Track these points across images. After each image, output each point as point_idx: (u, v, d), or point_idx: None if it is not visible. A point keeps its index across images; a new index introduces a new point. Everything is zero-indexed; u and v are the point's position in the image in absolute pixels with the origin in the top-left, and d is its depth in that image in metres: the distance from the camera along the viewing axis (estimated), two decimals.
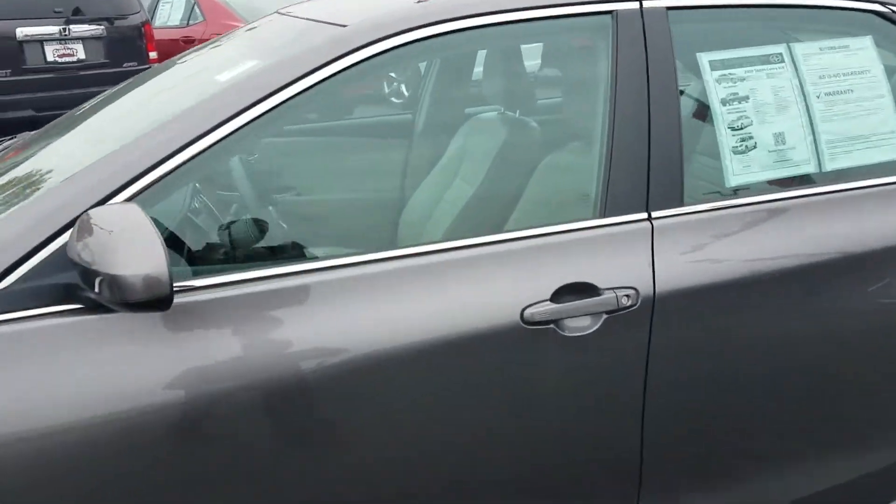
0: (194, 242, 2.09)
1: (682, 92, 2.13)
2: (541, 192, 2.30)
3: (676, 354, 1.94)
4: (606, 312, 1.88)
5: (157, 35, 7.69)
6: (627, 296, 1.89)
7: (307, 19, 2.24)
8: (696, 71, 2.11)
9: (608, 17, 2.02)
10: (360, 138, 3.48)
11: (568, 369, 1.90)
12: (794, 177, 2.11)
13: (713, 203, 2.05)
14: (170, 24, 8.99)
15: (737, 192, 2.07)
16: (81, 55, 6.78)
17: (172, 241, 1.95)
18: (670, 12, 2.06)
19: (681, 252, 1.96)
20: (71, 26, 6.71)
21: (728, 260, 1.99)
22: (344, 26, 1.96)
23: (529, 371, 1.88)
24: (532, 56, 3.14)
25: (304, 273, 1.79)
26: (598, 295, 1.88)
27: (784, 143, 2.09)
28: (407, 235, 3.09)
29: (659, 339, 1.91)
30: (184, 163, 1.71)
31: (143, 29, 7.24)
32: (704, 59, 2.09)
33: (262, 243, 2.14)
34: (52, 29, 6.64)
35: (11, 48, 6.46)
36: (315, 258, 2.02)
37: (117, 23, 7.00)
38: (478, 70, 3.17)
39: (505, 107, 3.10)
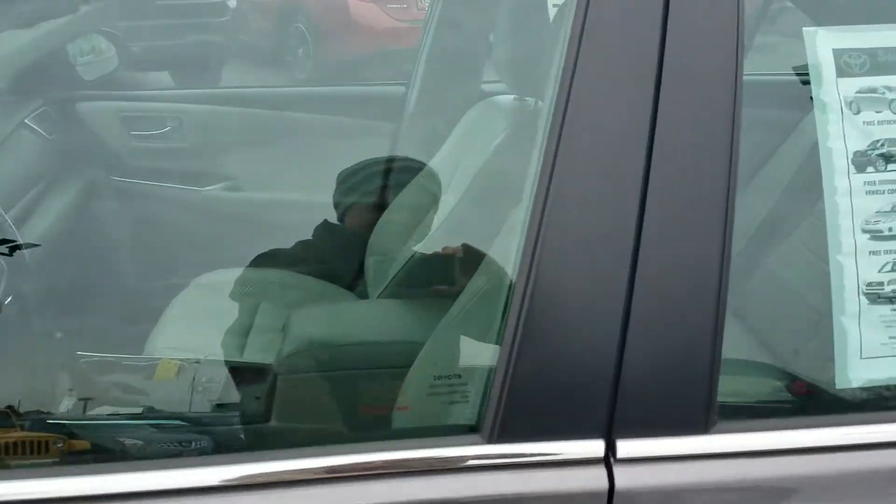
0: None
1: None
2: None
3: None
4: None
5: None
6: None
7: None
8: (796, 76, 0.85)
9: None
10: (331, 116, 2.37)
11: None
12: None
13: (796, 429, 0.79)
14: None
15: (865, 403, 0.81)
16: None
17: None
18: None
19: None
20: None
21: None
22: None
23: None
24: None
25: None
26: None
27: None
28: (373, 268, 1.98)
29: None
30: None
31: None
32: (825, 44, 0.81)
33: None
34: None
35: None
36: None
37: None
38: None
39: (520, 90, 1.89)
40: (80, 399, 1.45)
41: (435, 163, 2.09)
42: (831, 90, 0.80)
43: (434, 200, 2.00)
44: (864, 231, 0.78)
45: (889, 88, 0.81)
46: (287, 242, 2.27)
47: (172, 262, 2.30)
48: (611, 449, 0.74)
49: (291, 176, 2.31)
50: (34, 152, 2.02)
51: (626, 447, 0.74)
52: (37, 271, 1.84)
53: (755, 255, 1.16)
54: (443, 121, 2.13)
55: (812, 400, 0.85)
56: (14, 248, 1.63)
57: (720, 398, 0.76)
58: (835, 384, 0.78)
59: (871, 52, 0.82)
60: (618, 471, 0.74)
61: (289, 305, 1.83)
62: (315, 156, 2.32)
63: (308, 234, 2.27)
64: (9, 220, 1.70)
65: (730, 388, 0.82)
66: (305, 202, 2.24)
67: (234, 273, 2.02)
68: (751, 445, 0.75)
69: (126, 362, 1.57)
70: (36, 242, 1.88)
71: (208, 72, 5.83)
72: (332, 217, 2.25)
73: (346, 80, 3.73)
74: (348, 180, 2.12)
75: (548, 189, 0.75)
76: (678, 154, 0.75)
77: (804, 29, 0.81)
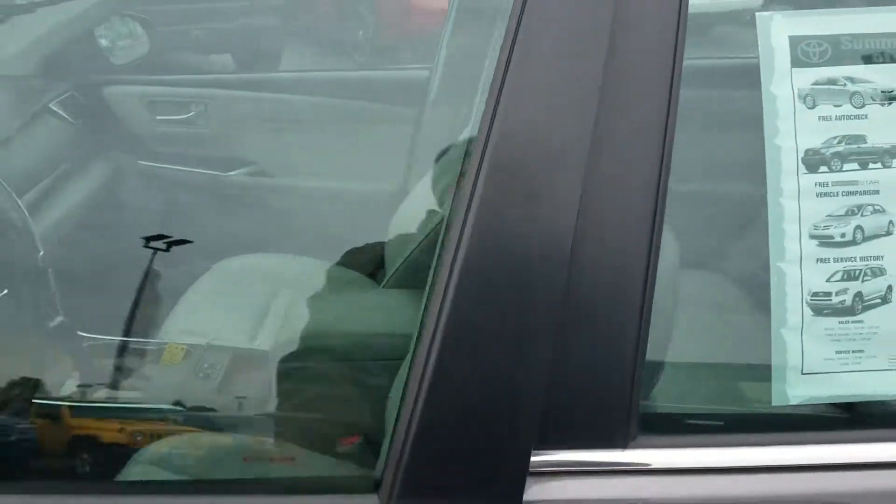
0: None
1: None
2: None
3: None
4: None
5: None
6: None
7: None
8: (743, 66, 0.79)
9: None
10: (356, 101, 2.33)
11: None
12: None
13: (726, 447, 0.73)
14: None
15: (806, 423, 0.75)
16: None
17: None
18: None
19: None
20: None
21: None
22: None
23: None
24: None
25: None
26: None
27: None
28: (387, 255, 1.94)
29: None
30: None
31: None
32: (781, 31, 0.75)
33: None
34: None
35: None
36: None
37: None
38: None
39: None
40: (81, 384, 1.47)
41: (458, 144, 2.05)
42: (784, 82, 0.73)
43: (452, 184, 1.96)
44: (813, 237, 0.72)
45: (851, 80, 0.74)
46: (309, 228, 2.26)
47: (194, 246, 2.32)
48: None
49: (314, 162, 2.30)
50: (57, 137, 2.05)
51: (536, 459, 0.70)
52: (59, 254, 1.87)
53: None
54: (465, 105, 2.09)
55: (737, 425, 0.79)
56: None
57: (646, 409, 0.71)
58: (774, 399, 0.72)
59: (833, 40, 0.74)
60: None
61: (307, 293, 1.81)
62: (340, 142, 2.30)
63: (329, 221, 2.27)
64: (19, 203, 1.73)
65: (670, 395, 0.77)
66: (328, 188, 2.22)
67: (256, 259, 2.02)
68: (673, 462, 0.70)
69: (133, 345, 1.59)
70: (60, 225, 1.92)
71: (266, 55, 5.86)
72: (352, 204, 2.25)
73: (375, 65, 3.70)
74: (441, 160, 2.08)
75: (472, 191, 0.70)
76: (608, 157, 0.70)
77: (757, 14, 0.75)
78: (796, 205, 0.72)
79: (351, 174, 2.23)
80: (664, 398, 0.77)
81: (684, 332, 0.84)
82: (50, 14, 2.07)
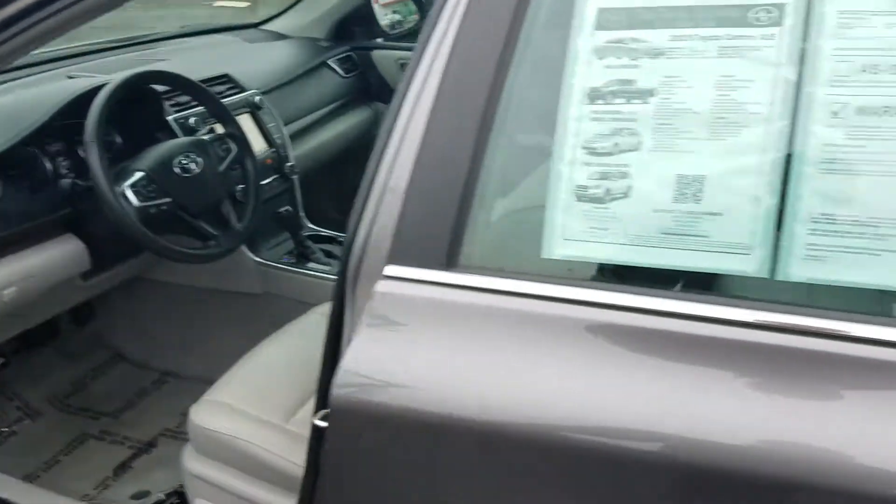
0: None
1: None
2: None
3: None
4: None
5: None
6: None
7: None
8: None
9: None
10: None
11: None
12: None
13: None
14: None
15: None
16: None
17: None
18: None
19: None
20: None
21: None
22: None
23: None
24: None
25: None
26: None
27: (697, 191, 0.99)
28: None
29: None
30: None
31: None
32: (593, 3, 1.07)
33: None
34: None
35: None
36: None
37: None
38: None
39: None
40: None
41: None
42: (587, 40, 1.07)
43: None
44: (584, 148, 1.05)
45: (634, 40, 1.05)
46: None
47: None
48: None
49: None
50: (326, 85, 2.73)
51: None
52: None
53: None
54: None
55: None
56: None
57: None
58: None
59: (630, 11, 1.06)
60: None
61: None
62: None
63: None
64: (283, 129, 2.42)
65: None
66: None
67: None
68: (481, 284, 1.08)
69: None
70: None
71: None
72: None
73: None
74: None
75: None
76: None
77: None
78: (577, 125, 1.05)
79: None
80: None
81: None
82: None
